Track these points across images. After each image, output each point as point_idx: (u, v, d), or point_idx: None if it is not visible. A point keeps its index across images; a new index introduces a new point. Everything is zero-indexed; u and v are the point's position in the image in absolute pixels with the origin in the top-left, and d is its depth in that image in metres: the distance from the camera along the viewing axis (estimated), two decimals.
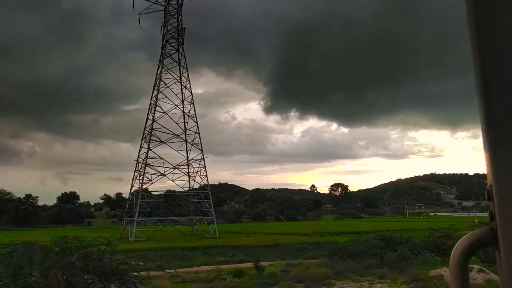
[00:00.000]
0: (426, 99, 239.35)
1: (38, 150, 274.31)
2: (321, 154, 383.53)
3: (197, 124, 53.75)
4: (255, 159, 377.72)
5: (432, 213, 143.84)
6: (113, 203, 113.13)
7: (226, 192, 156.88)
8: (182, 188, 51.69)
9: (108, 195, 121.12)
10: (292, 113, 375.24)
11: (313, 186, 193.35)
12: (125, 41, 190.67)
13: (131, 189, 49.44)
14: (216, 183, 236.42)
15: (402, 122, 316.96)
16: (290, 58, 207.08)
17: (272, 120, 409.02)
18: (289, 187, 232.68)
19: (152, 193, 52.02)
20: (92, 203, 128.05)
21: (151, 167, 47.51)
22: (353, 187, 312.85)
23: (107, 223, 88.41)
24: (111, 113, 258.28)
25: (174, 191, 54.38)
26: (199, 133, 53.13)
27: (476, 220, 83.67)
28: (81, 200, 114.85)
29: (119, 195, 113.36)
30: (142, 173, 46.45)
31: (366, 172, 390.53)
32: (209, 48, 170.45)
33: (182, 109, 52.91)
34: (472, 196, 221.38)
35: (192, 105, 53.98)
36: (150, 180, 48.05)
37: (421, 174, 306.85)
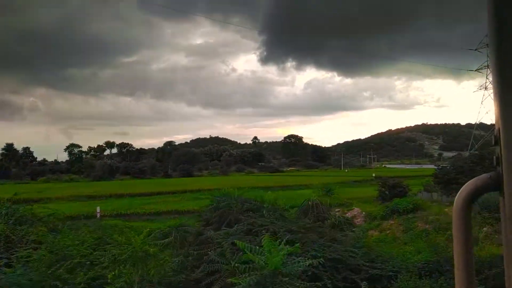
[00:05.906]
0: (430, 46, 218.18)
1: (40, 106, 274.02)
2: (325, 106, 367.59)
3: None
4: (259, 112, 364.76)
5: (384, 165, 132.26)
6: None
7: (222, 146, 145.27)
8: None
9: None
10: (289, 63, 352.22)
11: (255, 138, 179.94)
12: None
13: None
14: (208, 136, 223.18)
15: (406, 71, 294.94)
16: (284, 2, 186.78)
17: (272, 72, 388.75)
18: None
19: None
20: None
21: None
22: (350, 138, 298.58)
23: None
24: (110, 66, 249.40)
25: None
26: None
27: (373, 175, 69.91)
28: None
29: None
30: None
31: (367, 124, 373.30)
32: None
33: None
34: (455, 146, 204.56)
35: None
36: None
37: (413, 125, 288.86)
